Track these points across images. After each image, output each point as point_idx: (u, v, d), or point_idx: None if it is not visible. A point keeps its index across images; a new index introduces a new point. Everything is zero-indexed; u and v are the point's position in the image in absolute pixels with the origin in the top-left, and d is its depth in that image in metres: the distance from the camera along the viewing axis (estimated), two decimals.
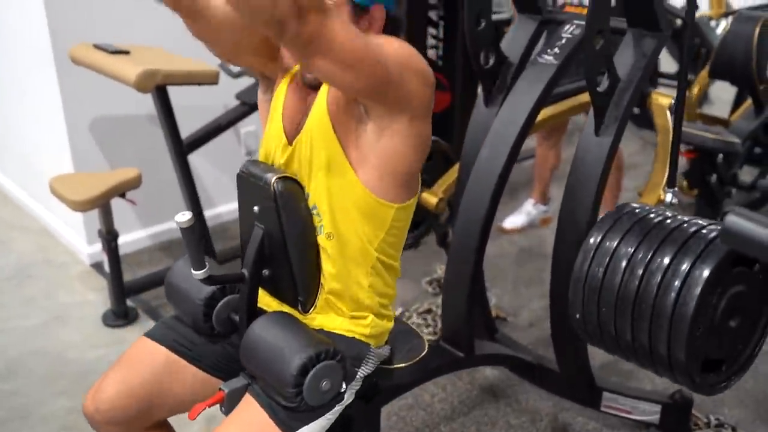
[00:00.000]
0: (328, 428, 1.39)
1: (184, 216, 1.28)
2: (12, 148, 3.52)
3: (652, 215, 1.57)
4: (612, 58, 1.85)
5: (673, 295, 1.40)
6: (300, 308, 1.42)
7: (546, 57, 2.00)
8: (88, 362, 2.49)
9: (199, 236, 1.32)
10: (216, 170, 3.34)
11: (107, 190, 2.45)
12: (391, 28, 1.37)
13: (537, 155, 3.41)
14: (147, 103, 2.89)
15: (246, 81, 2.90)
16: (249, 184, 1.40)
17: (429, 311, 2.75)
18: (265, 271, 1.43)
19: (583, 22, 1.83)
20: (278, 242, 1.36)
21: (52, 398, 2.31)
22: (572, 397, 2.23)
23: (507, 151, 1.94)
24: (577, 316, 1.61)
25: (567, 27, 2.04)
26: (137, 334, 2.50)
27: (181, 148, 2.64)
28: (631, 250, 1.52)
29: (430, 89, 1.32)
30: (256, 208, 1.39)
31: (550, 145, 3.32)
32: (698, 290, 1.37)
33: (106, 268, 2.63)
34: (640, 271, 1.45)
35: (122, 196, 2.55)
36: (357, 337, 1.41)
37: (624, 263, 1.49)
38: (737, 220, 0.86)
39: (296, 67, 1.41)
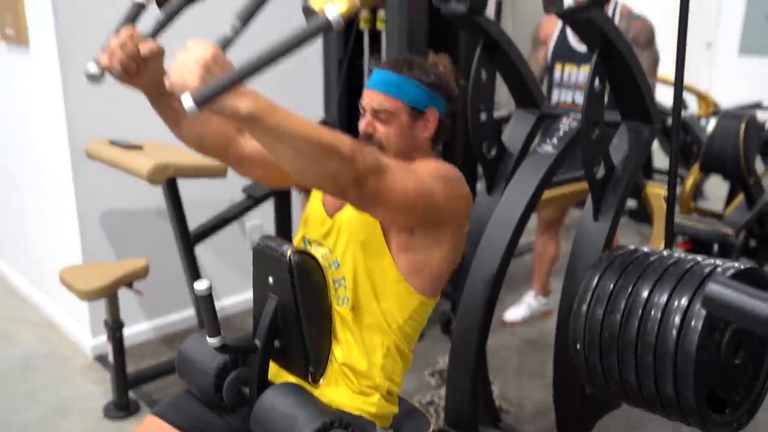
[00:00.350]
0: None
1: (203, 284, 1.33)
2: (22, 241, 3.59)
3: (647, 254, 1.60)
4: (608, 148, 1.94)
5: (674, 331, 1.40)
6: (310, 379, 1.45)
7: (545, 147, 2.10)
8: None
9: (214, 305, 1.37)
10: (221, 263, 3.40)
11: (115, 280, 2.50)
12: (440, 132, 1.56)
13: (536, 247, 3.47)
14: (156, 196, 2.99)
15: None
16: (265, 256, 1.45)
17: (432, 403, 2.74)
18: (277, 343, 1.47)
19: (579, 116, 1.93)
20: (292, 313, 1.41)
21: None
22: None
23: (508, 236, 2.00)
24: (584, 364, 1.62)
25: (564, 120, 2.15)
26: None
27: (189, 240, 2.70)
28: (625, 289, 1.52)
29: (469, 206, 1.49)
30: (270, 279, 1.44)
31: (549, 237, 3.39)
32: (700, 324, 1.38)
33: (110, 359, 2.64)
34: (639, 310, 1.47)
35: (129, 286, 2.60)
36: (364, 415, 1.43)
37: (622, 303, 1.50)
38: (718, 288, 0.91)
39: None
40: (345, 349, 1.45)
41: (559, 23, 3.10)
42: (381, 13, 3.07)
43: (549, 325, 3.36)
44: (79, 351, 3.15)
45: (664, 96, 4.29)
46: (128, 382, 2.68)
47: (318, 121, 3.24)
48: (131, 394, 2.73)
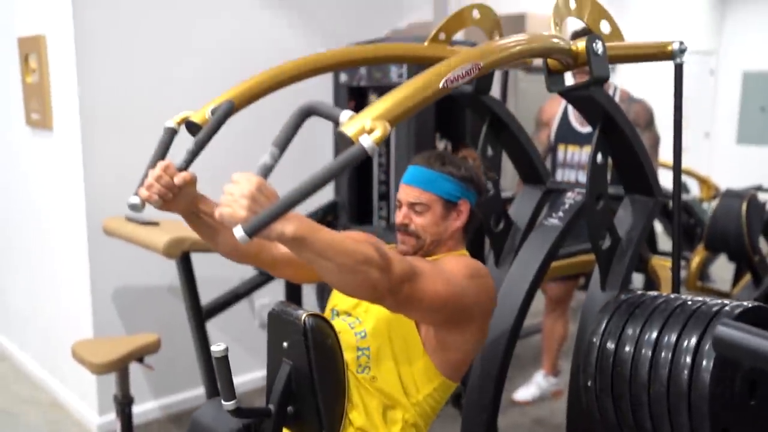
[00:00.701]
0: None
1: (219, 347, 1.36)
2: (31, 320, 3.62)
3: (654, 297, 1.61)
4: (612, 221, 2.00)
5: (686, 371, 1.39)
6: None
7: (551, 220, 2.15)
8: None
9: (230, 369, 1.39)
10: (230, 342, 3.37)
11: (126, 354, 2.51)
12: (471, 221, 1.69)
13: (544, 327, 3.48)
14: (168, 273, 3.05)
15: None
16: (280, 320, 1.48)
17: None
18: (290, 408, 1.47)
19: (584, 190, 2.00)
20: (305, 377, 1.43)
21: None
22: None
23: (518, 308, 2.03)
24: (593, 407, 1.60)
25: (569, 194, 2.21)
26: None
27: (200, 315, 2.73)
28: (635, 331, 1.53)
29: (494, 298, 1.59)
30: (285, 343, 1.47)
31: (557, 317, 3.40)
32: (711, 363, 1.37)
33: None
34: (650, 351, 1.46)
35: (140, 361, 2.61)
36: None
37: (632, 347, 1.50)
38: (727, 330, 0.94)
39: None
40: (363, 414, 1.47)
41: (561, 106, 3.22)
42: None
43: (559, 405, 3.33)
44: (84, 429, 3.12)
45: (664, 179, 4.41)
46: None
47: (329, 202, 3.33)
48: None
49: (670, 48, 1.93)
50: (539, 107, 3.38)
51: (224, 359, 1.37)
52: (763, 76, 7.49)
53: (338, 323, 1.58)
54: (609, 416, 1.62)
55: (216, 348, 1.36)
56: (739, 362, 1.45)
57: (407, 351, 1.50)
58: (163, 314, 3.12)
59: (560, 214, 2.18)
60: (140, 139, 2.99)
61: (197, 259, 2.75)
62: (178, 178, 1.42)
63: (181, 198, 1.45)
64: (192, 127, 1.52)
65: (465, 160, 1.69)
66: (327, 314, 1.62)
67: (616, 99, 3.17)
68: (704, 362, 1.41)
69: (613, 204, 2.08)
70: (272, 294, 3.45)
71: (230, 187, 1.15)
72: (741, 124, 7.58)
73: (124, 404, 2.60)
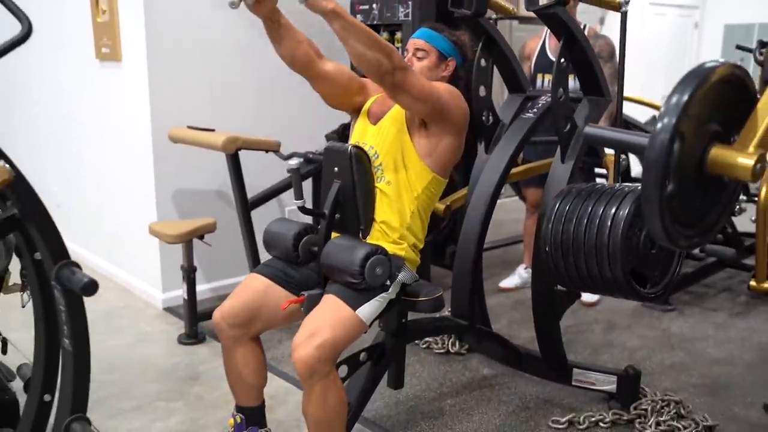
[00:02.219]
0: (369, 357, 2.16)
1: (294, 160, 2.06)
2: (100, 228, 4.33)
3: (596, 185, 2.27)
4: (572, 112, 2.67)
5: (607, 232, 2.06)
6: (360, 235, 2.16)
7: (527, 114, 2.84)
8: (169, 365, 3.15)
9: (300, 178, 2.08)
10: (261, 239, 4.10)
11: (192, 229, 3.23)
12: (455, 77, 2.31)
13: (525, 228, 4.18)
14: (216, 177, 3.74)
15: (295, 160, 3.73)
16: (332, 152, 2.16)
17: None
18: (337, 215, 2.17)
19: None
20: (349, 191, 2.12)
21: (145, 384, 2.96)
22: (550, 377, 2.86)
23: (498, 176, 2.73)
24: (552, 263, 2.24)
25: (543, 98, 2.89)
26: (204, 350, 3.22)
27: (247, 204, 3.43)
28: (576, 207, 2.18)
29: (466, 112, 2.21)
30: (336, 168, 2.15)
31: (535, 218, 4.07)
32: (621, 225, 2.04)
33: (185, 296, 3.33)
34: (585, 221, 2.12)
35: (201, 238, 3.32)
36: (397, 253, 2.14)
37: (574, 217, 2.16)
38: (591, 129, 1.58)
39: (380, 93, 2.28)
40: (383, 212, 2.17)
41: (540, 42, 3.87)
42: (398, 35, 3.87)
43: None
44: (150, 305, 3.86)
45: (637, 111, 5.07)
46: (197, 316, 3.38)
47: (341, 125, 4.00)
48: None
49: (618, 0, 2.64)
50: (522, 44, 4.04)
51: (297, 170, 2.07)
52: (742, 29, 8.06)
53: None
54: (559, 267, 2.30)
55: (292, 161, 2.06)
56: (644, 225, 2.08)
57: (407, 158, 2.16)
58: (211, 211, 3.81)
59: (534, 110, 2.87)
60: (195, 64, 3.68)
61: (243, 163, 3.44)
62: None
63: (265, 4, 2.00)
64: None
65: (460, 35, 2.34)
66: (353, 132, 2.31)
67: (585, 33, 3.81)
68: (619, 223, 2.09)
69: (575, 104, 2.76)
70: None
71: None
72: None
73: (189, 271, 3.32)
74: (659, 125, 1.31)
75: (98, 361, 1.82)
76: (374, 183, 2.17)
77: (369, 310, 2.02)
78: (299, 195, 2.12)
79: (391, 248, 2.14)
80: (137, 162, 3.79)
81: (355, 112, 2.36)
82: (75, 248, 4.51)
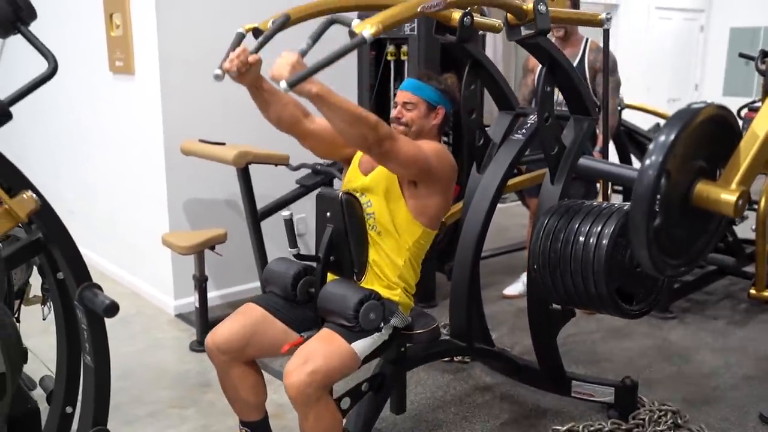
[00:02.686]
0: (371, 387, 2.25)
1: (287, 211, 2.17)
2: (113, 235, 4.44)
3: (583, 203, 2.35)
4: (560, 134, 2.75)
5: (592, 248, 2.14)
6: (355, 278, 2.25)
7: (517, 135, 2.91)
8: (181, 371, 3.26)
9: (294, 228, 2.18)
10: (272, 247, 4.21)
11: (204, 240, 3.33)
12: (445, 122, 2.38)
13: (529, 234, 4.26)
14: (226, 188, 3.84)
15: (303, 171, 3.83)
16: (325, 198, 2.26)
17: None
18: (332, 257, 2.26)
19: None
20: (342, 235, 2.21)
21: (158, 391, 3.07)
22: (549, 389, 2.95)
23: (491, 195, 2.80)
24: (540, 279, 2.34)
25: (532, 117, 2.96)
26: None
27: (256, 215, 3.53)
28: (563, 224, 2.26)
29: (453, 170, 2.29)
30: (328, 213, 2.24)
31: None
32: (606, 242, 2.12)
33: (196, 304, 3.44)
34: (571, 239, 2.21)
35: (212, 248, 3.42)
36: (391, 298, 2.23)
37: (561, 234, 2.25)
38: (584, 161, 1.66)
39: None
40: (378, 258, 2.24)
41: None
42: (404, 48, 3.95)
43: None
44: (162, 312, 3.97)
45: (640, 120, 5.13)
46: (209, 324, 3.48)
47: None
48: None
49: (599, 17, 2.70)
50: (526, 56, 4.11)
51: (290, 221, 2.18)
52: (749, 32, 8.12)
53: None
54: (548, 284, 2.39)
55: (284, 212, 2.17)
56: (629, 244, 2.15)
57: (398, 212, 2.22)
58: (222, 221, 3.91)
59: (523, 131, 2.93)
60: (207, 78, 3.76)
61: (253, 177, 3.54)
62: (251, 58, 2.09)
63: (249, 73, 2.07)
64: (256, 32, 2.20)
65: (446, 80, 2.40)
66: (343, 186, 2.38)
67: (588, 48, 3.89)
68: (604, 242, 2.18)
69: (562, 123, 2.83)
70: (308, 211, 4.23)
71: (279, 58, 1.91)
72: (727, 77, 8.22)
73: (200, 281, 3.42)
74: (647, 162, 1.40)
75: (112, 367, 1.91)
76: (366, 227, 2.25)
77: (363, 345, 2.11)
78: (293, 243, 2.22)
79: (385, 293, 2.22)
80: (150, 172, 3.89)
81: (345, 161, 2.44)
82: (88, 254, 4.62)
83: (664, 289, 2.35)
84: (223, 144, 3.47)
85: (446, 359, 3.34)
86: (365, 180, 2.29)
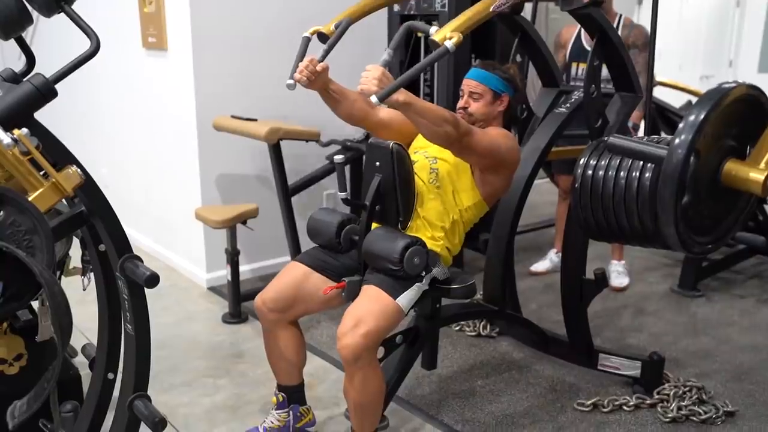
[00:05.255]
0: (404, 339, 2.33)
1: (339, 156, 2.23)
2: (147, 209, 4.53)
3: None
4: (603, 108, 2.76)
5: (635, 183, 1.96)
6: (400, 226, 2.31)
7: (560, 109, 2.93)
8: (214, 342, 3.35)
9: (345, 174, 2.23)
10: (301, 224, 4.27)
11: (237, 215, 3.40)
12: (509, 109, 2.48)
13: (557, 213, 4.28)
14: (257, 164, 3.90)
15: (333, 147, 3.87)
16: (375, 147, 2.29)
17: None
18: (377, 207, 2.31)
19: None
20: (390, 184, 2.25)
21: (193, 360, 3.17)
22: (576, 361, 2.99)
23: (532, 166, 2.84)
24: (585, 215, 2.22)
25: (576, 93, 2.98)
26: (247, 329, 3.41)
27: (287, 191, 3.59)
28: (606, 162, 2.12)
29: (518, 157, 2.40)
30: (377, 163, 2.28)
31: (567, 204, 4.17)
32: (649, 174, 1.94)
33: (228, 277, 3.52)
34: (612, 174, 2.07)
35: (244, 223, 3.49)
36: (434, 249, 2.29)
37: (602, 172, 2.11)
38: (614, 139, 1.68)
39: None
40: (429, 210, 2.32)
41: (576, 31, 3.93)
42: (435, 24, 3.95)
43: None
44: (195, 285, 4.06)
45: (672, 97, 5.09)
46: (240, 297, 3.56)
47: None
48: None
49: None
50: (557, 32, 4.10)
51: (341, 165, 2.24)
52: None
53: (418, 157, 2.40)
54: (590, 220, 2.35)
55: (338, 157, 2.23)
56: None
57: (461, 175, 2.34)
58: (253, 196, 3.98)
59: (567, 105, 2.96)
60: (240, 54, 3.82)
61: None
62: (319, 66, 2.23)
63: (318, 80, 2.26)
64: (321, 37, 2.33)
65: (509, 69, 2.50)
66: (410, 152, 2.43)
67: (621, 24, 3.86)
68: (647, 174, 2.08)
69: (606, 99, 2.84)
70: (335, 187, 4.27)
71: (365, 73, 2.02)
72: (763, 53, 8.04)
73: (233, 255, 3.50)
74: (676, 141, 1.42)
75: None
76: (414, 178, 2.31)
77: (407, 298, 2.17)
78: (343, 188, 2.28)
79: (429, 243, 2.28)
80: (182, 148, 3.96)
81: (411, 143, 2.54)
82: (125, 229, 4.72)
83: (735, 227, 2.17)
84: (255, 120, 3.52)
85: (474, 334, 3.39)
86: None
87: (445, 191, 2.35)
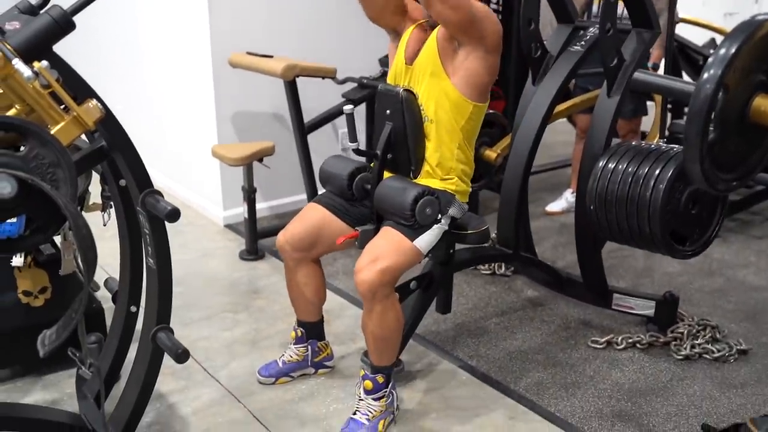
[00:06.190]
0: (419, 285, 2.35)
1: (348, 106, 2.19)
2: (163, 147, 4.52)
3: (639, 145, 2.35)
4: (619, 46, 2.70)
5: (648, 192, 2.15)
6: (411, 175, 2.29)
7: (575, 47, 2.87)
8: (232, 279, 3.40)
9: (354, 121, 2.21)
10: (317, 161, 4.26)
11: (253, 152, 3.39)
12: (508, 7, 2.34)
13: (574, 152, 4.25)
14: (273, 101, 3.87)
15: (349, 85, 3.83)
16: (385, 95, 2.27)
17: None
18: (389, 155, 2.30)
19: None
20: (401, 133, 2.24)
21: (211, 296, 3.21)
22: (591, 301, 3.01)
23: (546, 104, 2.79)
24: (595, 218, 2.38)
25: (591, 29, 2.91)
26: (264, 266, 3.43)
27: (303, 129, 3.57)
28: (621, 167, 2.28)
29: (498, 33, 2.20)
30: (388, 111, 2.27)
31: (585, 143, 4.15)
32: (664, 184, 2.13)
33: (245, 215, 3.54)
34: (630, 180, 2.22)
35: (260, 160, 3.49)
36: (447, 188, 2.27)
37: (619, 176, 2.26)
38: (639, 74, 1.65)
39: (421, 21, 2.33)
40: (431, 152, 2.27)
41: None
42: None
43: None
44: (212, 222, 4.10)
45: (695, 35, 4.98)
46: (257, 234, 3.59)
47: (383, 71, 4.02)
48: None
49: None
50: None
51: (351, 115, 2.21)
52: None
53: None
54: (603, 225, 2.40)
55: (346, 107, 2.19)
56: (686, 186, 2.17)
57: (445, 93, 2.20)
58: (268, 134, 3.96)
59: (582, 42, 2.89)
60: None
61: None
62: None
63: None
64: None
65: None
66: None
67: None
68: (661, 185, 2.17)
69: (623, 35, 2.78)
70: None
71: None
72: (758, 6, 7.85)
73: (249, 192, 3.51)
74: (705, 75, 1.39)
75: None
76: (423, 128, 2.26)
77: (425, 240, 2.18)
78: (353, 138, 2.26)
79: (440, 185, 2.27)
80: (198, 85, 3.93)
81: (393, 32, 2.41)
82: None
83: (718, 230, 2.35)
84: (271, 57, 3.48)
85: (489, 272, 3.41)
86: (411, 69, 2.29)
87: (438, 123, 2.25)
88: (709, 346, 2.74)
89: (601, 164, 2.42)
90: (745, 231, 4.04)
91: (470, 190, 2.38)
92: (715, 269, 3.53)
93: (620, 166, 2.33)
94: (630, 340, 2.79)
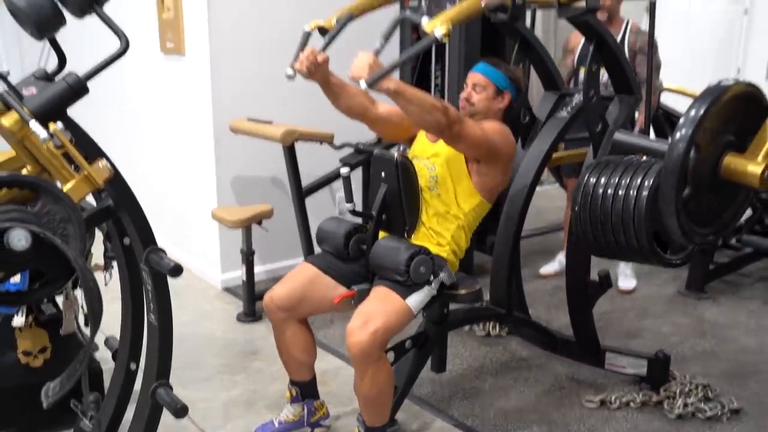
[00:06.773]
0: (414, 344, 2.41)
1: (345, 169, 2.28)
2: (164, 210, 4.60)
3: (617, 159, 2.38)
4: (604, 113, 2.82)
5: (632, 201, 2.11)
6: (406, 235, 2.37)
7: (561, 114, 2.99)
8: (230, 340, 3.43)
9: (351, 184, 2.30)
10: (315, 225, 4.34)
11: (252, 215, 3.48)
12: (510, 108, 2.52)
13: (565, 215, 4.34)
14: (271, 167, 3.98)
15: (346, 150, 3.95)
16: (380, 158, 2.38)
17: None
18: (384, 216, 2.39)
19: None
20: (396, 194, 2.33)
21: (210, 357, 3.25)
22: (584, 360, 3.05)
23: (535, 169, 2.89)
24: (585, 233, 2.32)
25: (577, 96, 3.04)
26: (262, 328, 3.48)
27: (301, 192, 3.67)
28: (603, 181, 2.23)
29: (513, 150, 2.45)
30: (383, 174, 2.36)
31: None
32: (645, 193, 2.08)
33: (243, 278, 3.60)
34: (611, 190, 2.18)
35: (259, 223, 3.57)
36: (440, 254, 2.35)
37: (601, 191, 2.22)
38: (620, 135, 1.75)
39: None
40: (430, 218, 2.38)
41: (583, 36, 4.00)
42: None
43: None
44: (210, 285, 4.15)
45: (680, 104, 5.15)
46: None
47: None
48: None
49: None
50: (566, 38, 4.17)
51: (347, 178, 2.30)
52: None
53: (417, 164, 2.44)
54: (589, 235, 2.46)
55: (343, 170, 2.29)
56: None
57: (459, 179, 2.37)
58: (267, 197, 4.05)
59: (568, 109, 3.02)
60: (256, 58, 3.92)
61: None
62: (320, 57, 2.27)
63: (318, 71, 2.29)
64: (322, 30, 2.38)
65: (514, 70, 2.57)
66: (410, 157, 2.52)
67: (629, 30, 3.94)
68: (644, 194, 2.22)
69: (606, 102, 2.91)
70: None
71: (356, 59, 2.06)
72: None
73: (248, 254, 3.58)
74: (677, 135, 1.49)
75: None
76: (419, 188, 2.38)
77: (416, 300, 2.24)
78: (350, 199, 2.35)
79: (434, 249, 2.36)
80: (199, 150, 4.05)
81: (409, 141, 2.60)
82: None
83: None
84: (271, 122, 3.61)
85: (484, 333, 3.45)
86: (435, 146, 2.43)
87: (446, 199, 2.40)
88: (702, 405, 2.76)
89: (584, 177, 2.35)
90: (735, 292, 4.10)
91: (458, 265, 2.48)
92: (707, 329, 3.58)
93: (603, 178, 2.25)
94: (623, 400, 2.82)
